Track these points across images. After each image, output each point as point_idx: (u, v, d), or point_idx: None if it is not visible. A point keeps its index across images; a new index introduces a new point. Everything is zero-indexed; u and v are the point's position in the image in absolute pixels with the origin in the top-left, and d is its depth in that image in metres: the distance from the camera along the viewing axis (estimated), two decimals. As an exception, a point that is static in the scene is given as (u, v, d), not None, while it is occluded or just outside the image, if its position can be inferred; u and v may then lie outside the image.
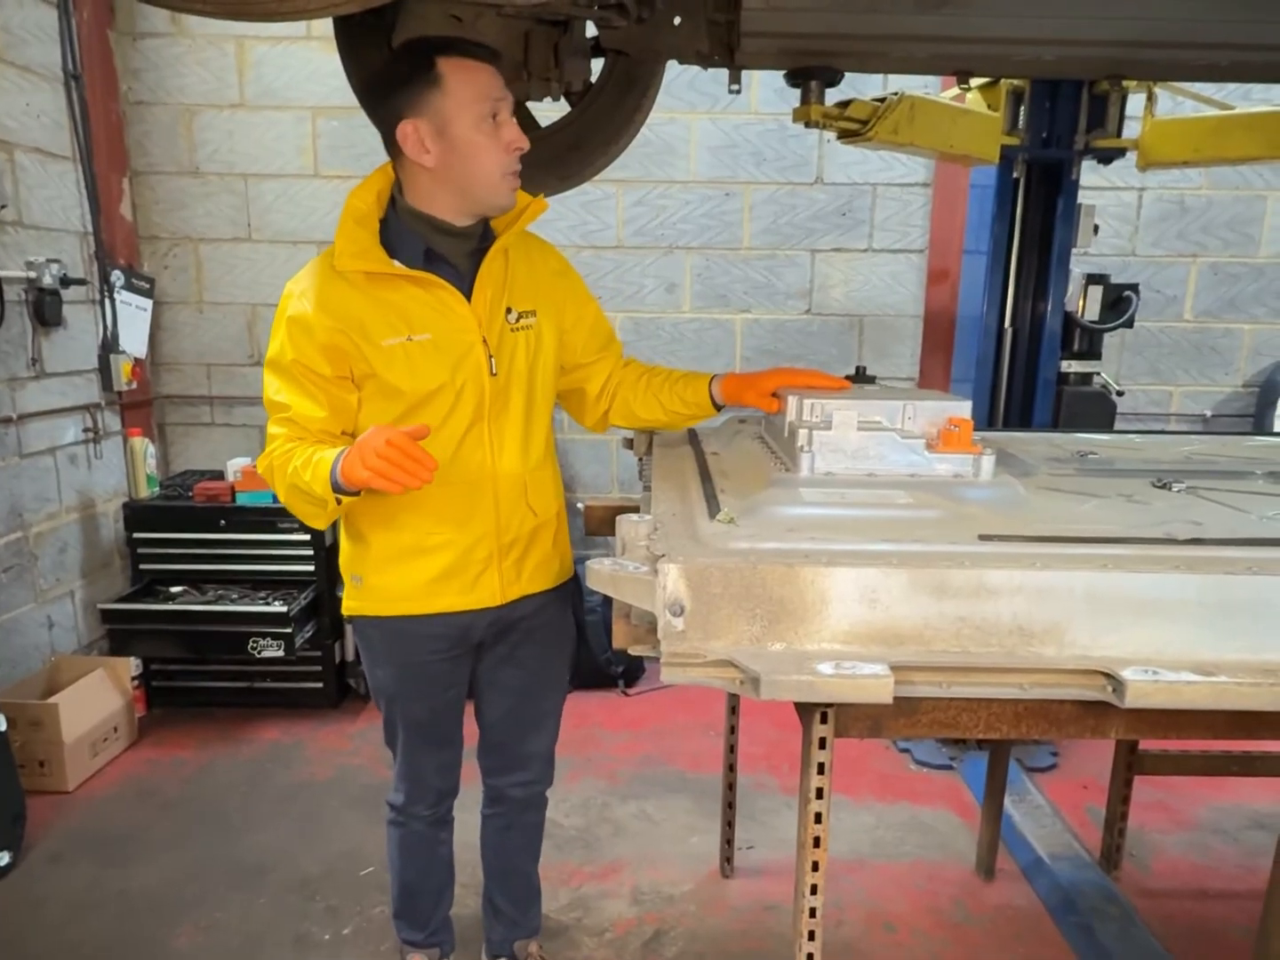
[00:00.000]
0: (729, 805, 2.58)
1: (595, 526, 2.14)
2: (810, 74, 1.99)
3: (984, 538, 1.09)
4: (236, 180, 3.89)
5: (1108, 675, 0.98)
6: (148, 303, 3.81)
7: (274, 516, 3.55)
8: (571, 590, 1.98)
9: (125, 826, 2.93)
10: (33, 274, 3.26)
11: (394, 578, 1.76)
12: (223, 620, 3.44)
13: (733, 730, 2.58)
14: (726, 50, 1.82)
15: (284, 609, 3.42)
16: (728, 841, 2.61)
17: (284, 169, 3.87)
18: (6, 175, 3.18)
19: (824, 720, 1.12)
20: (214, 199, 3.91)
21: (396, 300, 1.62)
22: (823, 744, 1.13)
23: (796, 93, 2.11)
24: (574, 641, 2.02)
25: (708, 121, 3.82)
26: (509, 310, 1.71)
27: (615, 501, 2.19)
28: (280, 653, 3.45)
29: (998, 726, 1.12)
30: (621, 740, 3.52)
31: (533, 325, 1.74)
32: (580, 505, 2.29)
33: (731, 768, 2.58)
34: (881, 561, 1.01)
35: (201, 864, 2.70)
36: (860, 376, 3.03)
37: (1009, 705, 1.11)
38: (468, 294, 1.65)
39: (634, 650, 1.14)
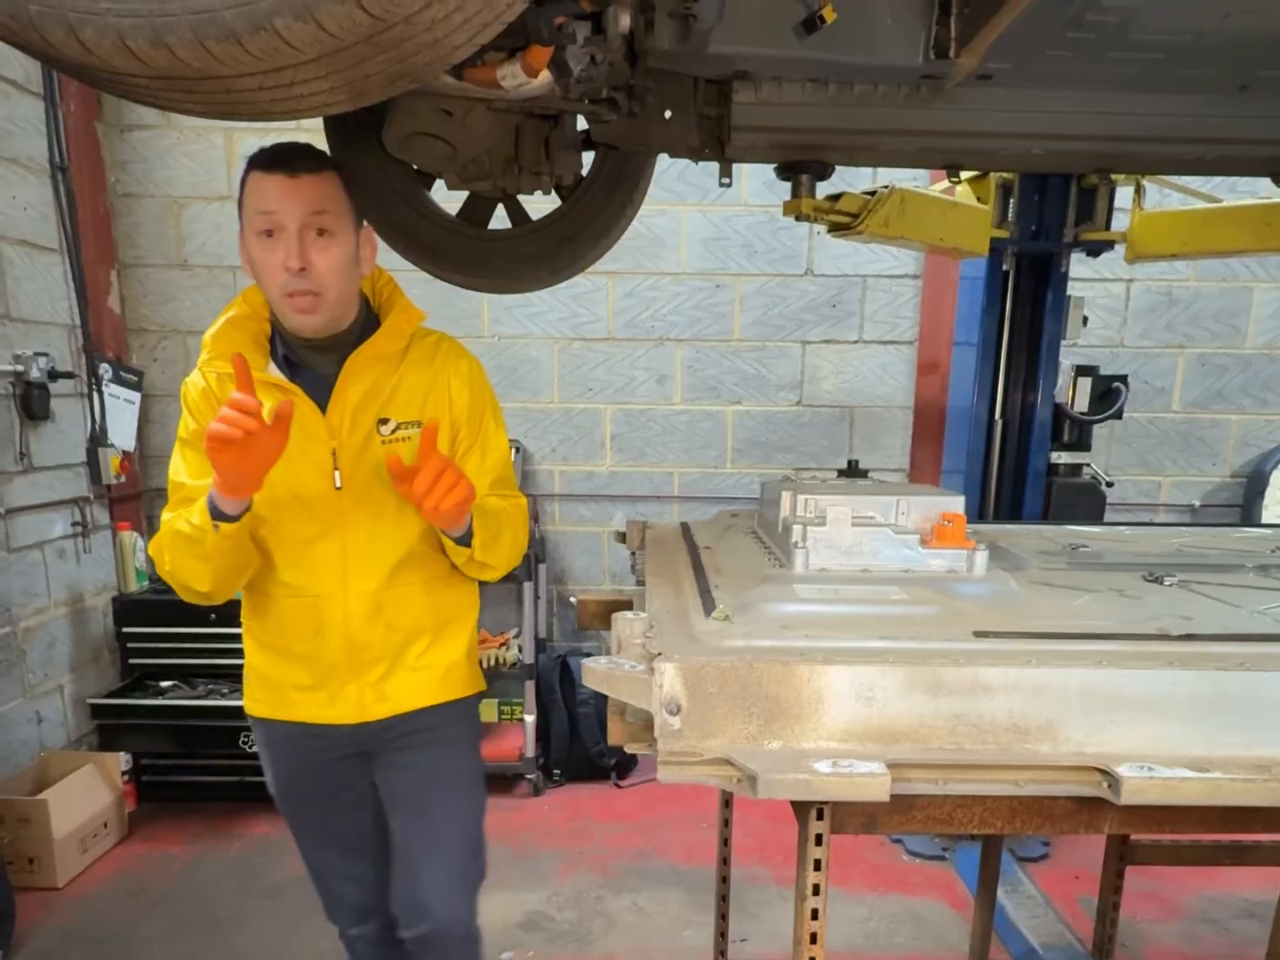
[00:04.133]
0: (723, 898, 2.52)
1: (588, 621, 2.13)
2: (801, 167, 2.05)
3: (979, 634, 1.10)
4: (224, 273, 3.97)
5: (1103, 772, 0.98)
6: (136, 395, 3.85)
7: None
8: (471, 706, 1.85)
9: (116, 924, 2.88)
10: (20, 368, 3.29)
11: (264, 681, 1.74)
12: (213, 715, 3.44)
13: (726, 824, 2.54)
14: (717, 144, 1.86)
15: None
16: (721, 935, 2.54)
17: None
18: (-6, 268, 3.23)
19: (820, 817, 1.10)
20: (202, 291, 3.98)
21: (267, 402, 1.52)
22: (819, 840, 1.11)
23: (787, 185, 2.17)
24: (471, 762, 1.86)
25: (698, 214, 3.93)
26: (383, 421, 1.65)
27: (608, 595, 2.18)
28: None
29: (992, 822, 1.11)
30: (614, 832, 3.49)
31: (411, 437, 1.65)
32: (573, 599, 2.28)
33: (725, 861, 2.53)
34: (877, 659, 1.02)
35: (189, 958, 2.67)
36: (853, 471, 3.06)
37: (1004, 801, 1.10)
38: (325, 403, 1.60)
39: (630, 748, 1.14)
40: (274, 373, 1.62)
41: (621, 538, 2.17)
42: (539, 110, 1.74)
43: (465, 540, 1.62)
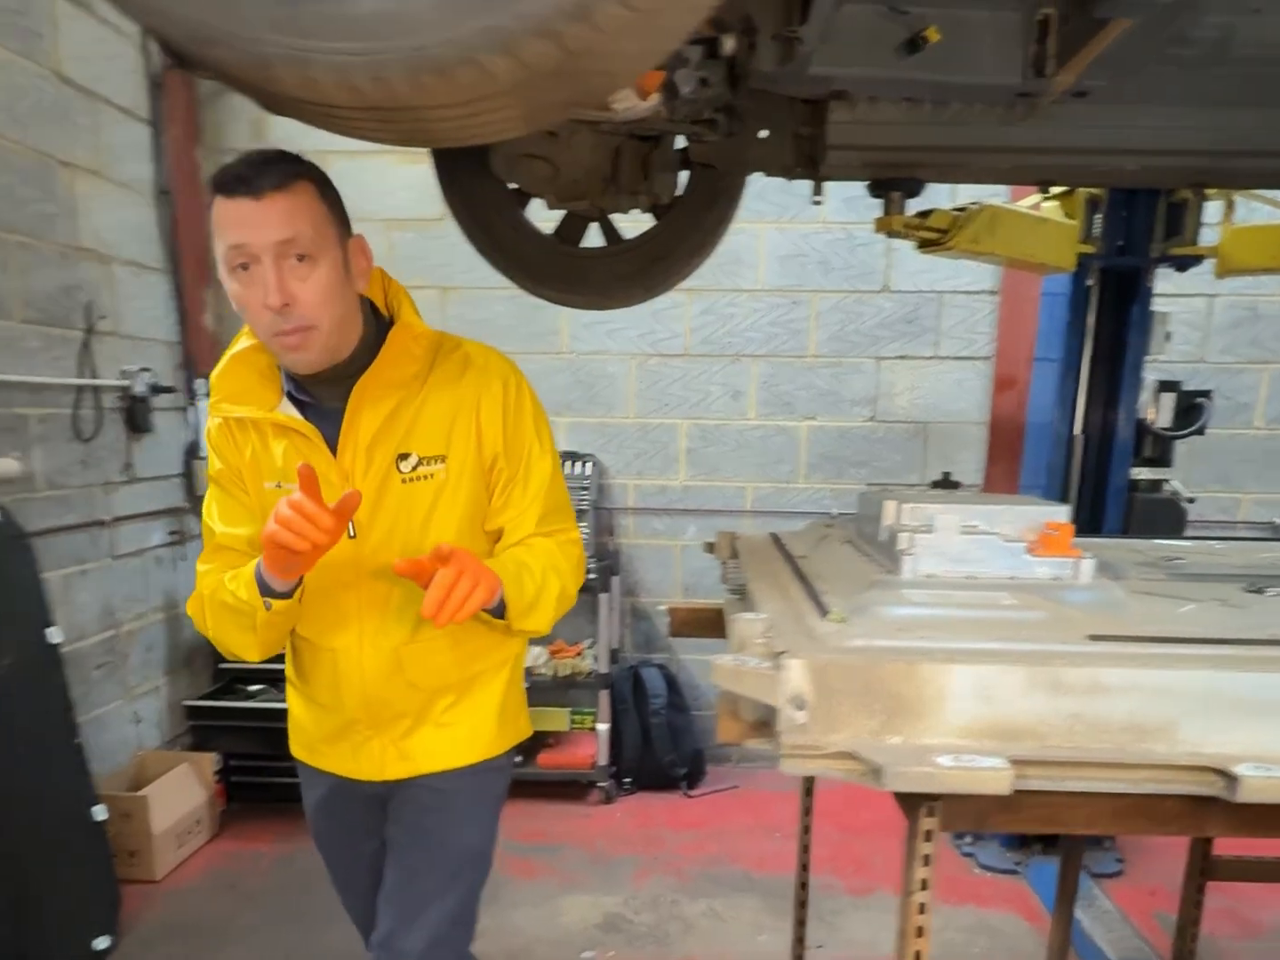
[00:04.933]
0: (801, 904, 2.54)
1: (678, 628, 2.17)
2: (893, 185, 2.07)
3: (1095, 638, 1.12)
4: None
5: (1219, 772, 0.99)
6: None
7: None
8: (497, 769, 1.69)
9: (211, 916, 3.00)
10: (126, 382, 3.46)
11: (299, 723, 1.68)
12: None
13: (806, 830, 2.56)
14: (810, 162, 1.88)
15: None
16: (799, 940, 2.56)
17: (360, 279, 4.08)
18: (105, 287, 3.41)
19: (931, 813, 1.13)
20: None
21: (277, 442, 1.46)
22: (929, 836, 1.14)
23: (865, 202, 2.20)
24: (480, 834, 1.69)
25: (776, 231, 3.97)
26: (403, 456, 1.46)
27: (696, 604, 2.21)
28: None
29: (1098, 822, 1.13)
30: (686, 840, 3.54)
31: (436, 472, 1.48)
32: (661, 608, 2.30)
33: (805, 867, 2.55)
34: (997, 660, 1.05)
35: (288, 956, 2.77)
36: (946, 483, 3.07)
37: (1110, 801, 1.11)
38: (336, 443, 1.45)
39: (748, 743, 1.17)
40: (288, 411, 1.46)
41: (709, 548, 2.21)
42: (641, 131, 1.76)
43: (499, 613, 1.45)
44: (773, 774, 4.03)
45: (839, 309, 4.03)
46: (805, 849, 2.60)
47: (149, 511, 3.67)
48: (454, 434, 1.49)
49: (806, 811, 2.59)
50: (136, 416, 3.50)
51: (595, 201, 1.94)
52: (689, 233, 2.09)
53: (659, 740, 3.97)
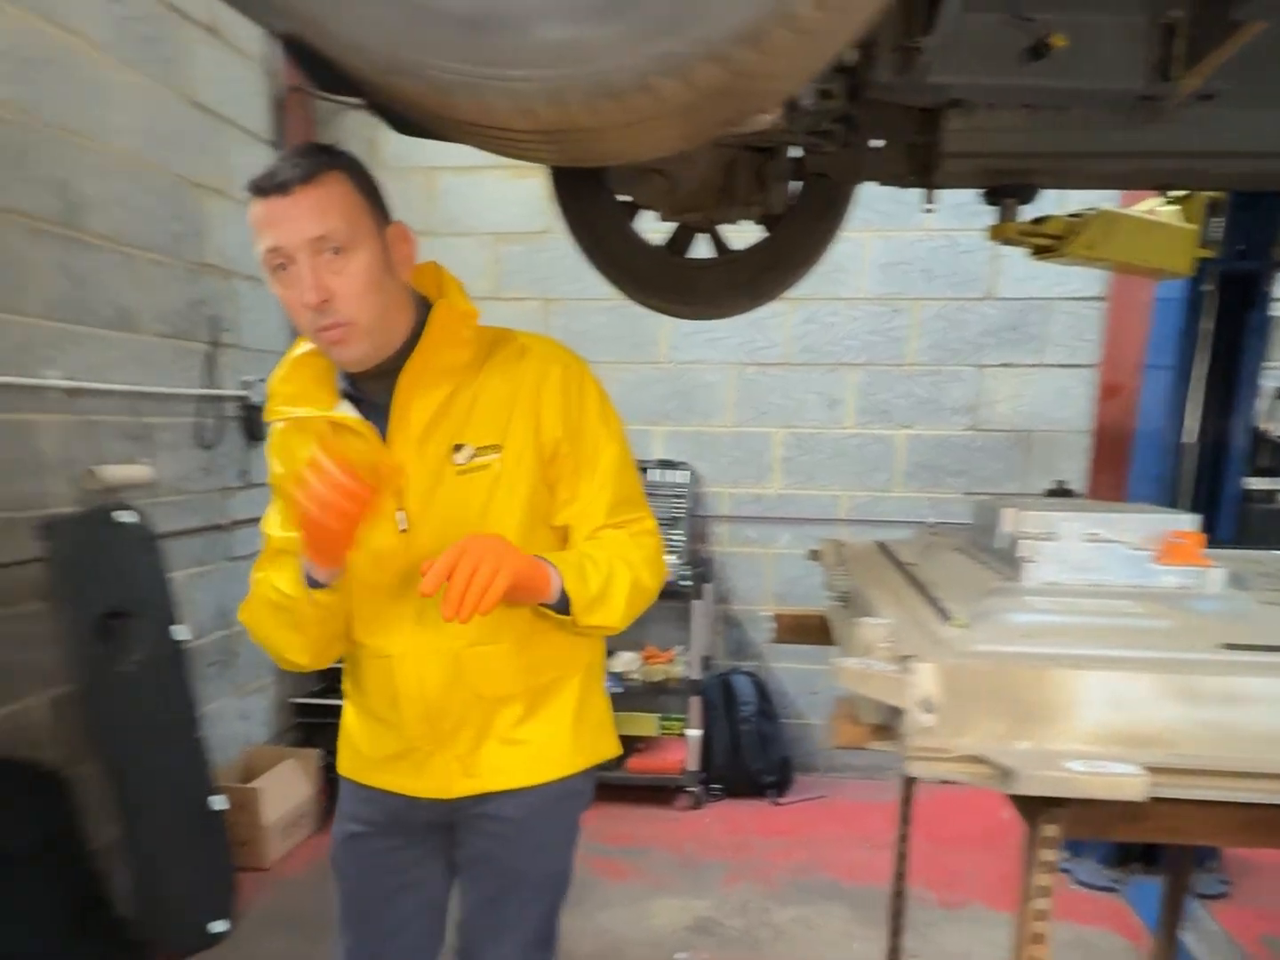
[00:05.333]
0: (896, 914, 2.52)
1: (782, 634, 2.19)
2: (1008, 192, 2.04)
3: (1230, 646, 1.11)
4: None
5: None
6: None
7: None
8: (576, 787, 1.56)
9: (316, 905, 3.07)
10: (245, 392, 3.62)
11: (355, 740, 1.56)
12: None
13: (904, 839, 2.54)
14: (924, 170, 1.84)
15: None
16: (894, 950, 2.54)
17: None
18: (228, 301, 3.58)
19: (1054, 820, 1.13)
20: None
21: (335, 443, 1.38)
22: (1051, 843, 1.14)
23: (969, 209, 2.18)
24: (561, 860, 1.59)
25: (878, 239, 3.95)
26: (458, 448, 1.40)
27: (801, 611, 2.23)
28: None
29: (1224, 834, 1.12)
30: (775, 847, 3.54)
31: (491, 463, 1.40)
32: (763, 614, 2.31)
33: (901, 876, 2.54)
34: (1129, 667, 1.04)
35: None
36: (1061, 491, 3.03)
37: (1240, 812, 1.09)
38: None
39: (869, 747, 1.19)
40: (345, 411, 1.41)
41: (814, 555, 2.23)
42: (758, 144, 1.77)
43: (562, 607, 1.35)
44: (862, 784, 4.02)
45: (941, 316, 3.99)
46: (902, 858, 2.59)
47: (259, 517, 3.83)
48: (511, 423, 1.41)
49: (905, 820, 2.58)
50: (253, 425, 3.66)
51: (708, 213, 1.97)
52: (799, 242, 2.11)
53: (748, 747, 3.99)
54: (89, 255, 2.86)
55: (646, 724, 4.10)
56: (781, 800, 3.97)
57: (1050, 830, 1.14)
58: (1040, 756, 1.02)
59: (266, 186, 1.27)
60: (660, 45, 0.70)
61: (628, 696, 3.90)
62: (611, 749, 1.64)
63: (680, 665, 3.97)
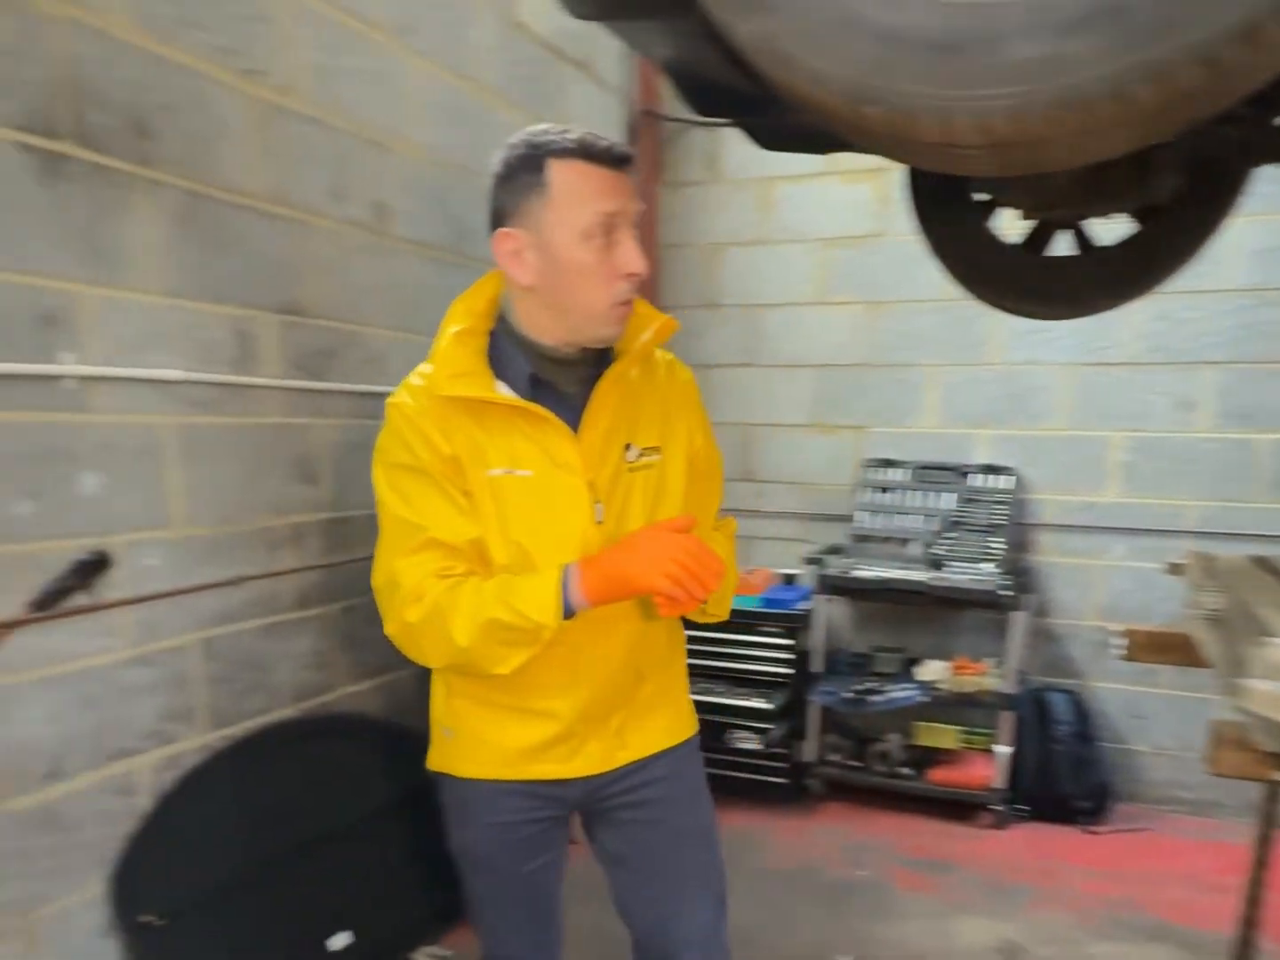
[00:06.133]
0: (1242, 960, 2.30)
1: (1135, 652, 2.05)
2: None
3: None
4: (751, 310, 4.34)
5: None
6: None
7: (758, 620, 3.87)
8: (695, 746, 1.73)
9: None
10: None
11: (487, 740, 1.55)
12: (709, 710, 3.76)
13: (1257, 883, 2.30)
14: None
15: (767, 705, 3.71)
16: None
17: (790, 298, 4.25)
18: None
19: None
20: (726, 328, 4.39)
21: (501, 427, 1.40)
22: None
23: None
24: (709, 801, 1.72)
25: (1253, 224, 3.53)
26: (629, 446, 1.47)
27: (1159, 629, 2.08)
28: (755, 745, 3.76)
29: None
30: (1088, 878, 3.33)
31: (655, 464, 1.50)
32: (1110, 628, 2.18)
33: (1250, 922, 2.30)
34: None
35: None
36: None
37: None
38: (576, 427, 1.43)
39: (1266, 778, 1.12)
40: (504, 392, 1.41)
41: (1173, 569, 2.08)
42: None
43: None
44: (1188, 820, 3.69)
45: (1329, 307, 3.51)
46: (1253, 903, 2.35)
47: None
48: (666, 427, 1.53)
49: (1260, 864, 2.33)
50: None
51: (1077, 208, 1.88)
52: (1179, 235, 1.96)
53: (1061, 769, 3.77)
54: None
55: (947, 736, 3.99)
56: (1095, 828, 3.72)
57: None
58: None
59: (605, 156, 1.32)
60: (1143, 52, 0.71)
61: (931, 706, 3.82)
62: None
63: (992, 678, 3.82)
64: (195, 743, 2.27)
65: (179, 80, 2.10)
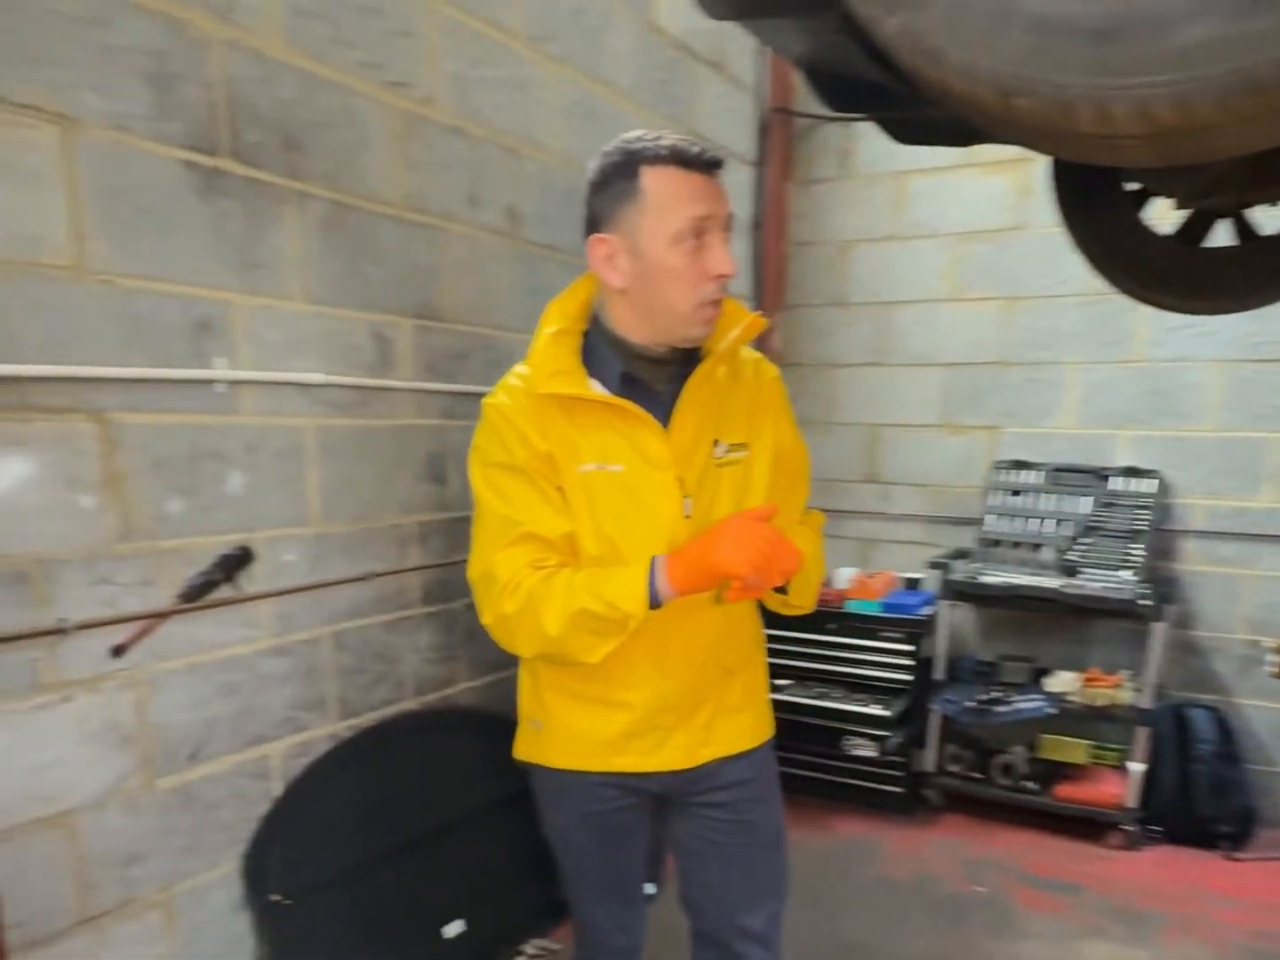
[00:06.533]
0: None
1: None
2: None
3: None
4: (878, 308, 4.27)
5: None
6: None
7: (877, 625, 3.79)
8: (772, 748, 1.74)
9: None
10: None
11: (575, 730, 1.60)
12: (824, 715, 3.72)
13: None
14: None
15: (884, 712, 3.63)
16: None
17: (922, 294, 4.16)
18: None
19: None
20: (854, 327, 4.33)
21: (593, 424, 1.46)
22: None
23: None
24: (780, 808, 1.75)
25: None
26: (716, 443, 1.52)
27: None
28: (872, 753, 3.67)
29: None
30: (1229, 907, 3.15)
31: (742, 459, 1.54)
32: (1264, 642, 2.04)
33: None
34: None
35: (799, 935, 2.92)
36: None
37: None
38: (666, 423, 1.47)
39: None
40: (598, 389, 1.47)
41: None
42: None
43: (781, 587, 1.51)
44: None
45: None
46: None
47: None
48: (753, 424, 1.56)
49: None
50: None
51: (1240, 195, 1.78)
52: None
53: (1200, 790, 3.57)
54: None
55: (1076, 750, 3.83)
56: (1238, 855, 3.50)
57: None
58: None
59: (697, 161, 1.37)
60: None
61: (1059, 719, 3.66)
62: None
63: (1127, 691, 3.65)
64: (324, 731, 2.37)
65: (327, 95, 2.21)
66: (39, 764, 1.79)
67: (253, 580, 2.15)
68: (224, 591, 2.08)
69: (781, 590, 1.54)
